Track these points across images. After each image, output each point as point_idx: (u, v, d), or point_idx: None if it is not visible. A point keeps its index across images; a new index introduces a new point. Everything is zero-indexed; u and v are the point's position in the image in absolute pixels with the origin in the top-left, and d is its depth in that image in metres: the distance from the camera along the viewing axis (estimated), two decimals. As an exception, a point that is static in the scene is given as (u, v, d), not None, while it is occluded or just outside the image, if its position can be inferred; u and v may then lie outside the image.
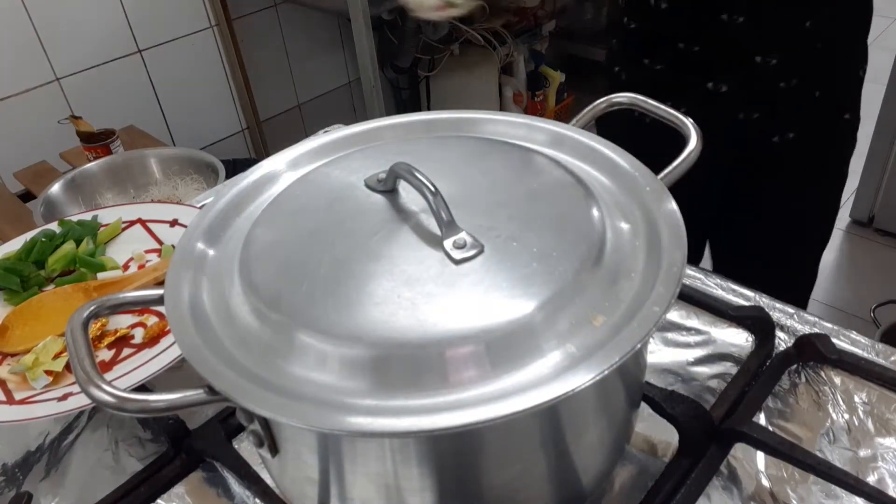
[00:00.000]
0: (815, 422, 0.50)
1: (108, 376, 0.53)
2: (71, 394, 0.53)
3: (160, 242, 0.71)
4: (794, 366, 0.54)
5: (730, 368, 0.55)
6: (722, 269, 0.69)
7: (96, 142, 1.49)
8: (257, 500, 0.49)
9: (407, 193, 0.42)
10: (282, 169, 0.49)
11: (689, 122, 0.45)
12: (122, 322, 0.61)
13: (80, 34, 1.75)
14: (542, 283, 0.35)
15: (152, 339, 0.58)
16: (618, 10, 0.87)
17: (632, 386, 0.43)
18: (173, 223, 0.73)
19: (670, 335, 0.58)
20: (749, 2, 0.72)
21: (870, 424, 0.50)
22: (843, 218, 1.96)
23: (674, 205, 0.40)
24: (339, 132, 0.51)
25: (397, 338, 0.34)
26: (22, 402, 0.54)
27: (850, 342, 0.55)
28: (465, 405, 0.31)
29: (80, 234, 0.72)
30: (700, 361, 0.56)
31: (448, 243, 0.37)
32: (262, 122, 2.15)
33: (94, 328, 0.60)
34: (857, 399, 0.51)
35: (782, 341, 0.56)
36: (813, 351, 0.53)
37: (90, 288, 0.65)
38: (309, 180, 0.47)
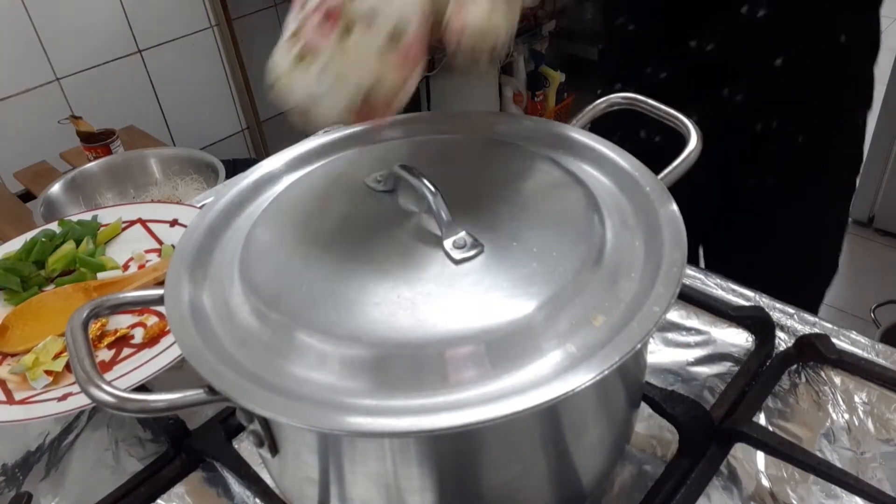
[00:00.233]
0: (815, 422, 0.50)
1: (108, 376, 0.53)
2: (71, 394, 0.53)
3: (160, 242, 0.71)
4: (794, 366, 0.54)
5: (730, 368, 0.55)
6: (720, 269, 0.68)
7: (96, 142, 1.49)
8: (257, 500, 0.49)
9: (407, 193, 0.42)
10: (282, 169, 0.49)
11: (688, 123, 0.45)
12: (122, 322, 0.61)
13: (80, 34, 1.75)
14: (542, 283, 0.35)
15: (152, 339, 0.58)
16: (609, 10, 0.79)
17: (632, 386, 0.43)
18: (173, 223, 0.73)
19: (670, 335, 0.58)
20: None
21: (870, 424, 0.50)
22: (843, 218, 1.96)
23: (674, 205, 0.40)
24: (339, 132, 0.51)
25: (397, 338, 0.34)
26: (22, 402, 0.54)
27: (850, 342, 0.55)
28: (466, 405, 0.31)
29: (80, 234, 0.72)
30: (700, 361, 0.56)
31: (448, 243, 0.37)
32: (262, 122, 2.15)
33: (94, 328, 0.60)
34: (857, 399, 0.51)
35: (782, 341, 0.56)
36: (813, 351, 0.53)
37: (90, 288, 0.65)
38: (309, 180, 0.47)
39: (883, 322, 1.44)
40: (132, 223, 0.74)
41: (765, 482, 0.47)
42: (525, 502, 0.40)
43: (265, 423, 0.37)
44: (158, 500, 0.50)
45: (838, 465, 0.47)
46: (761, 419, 0.51)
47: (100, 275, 0.67)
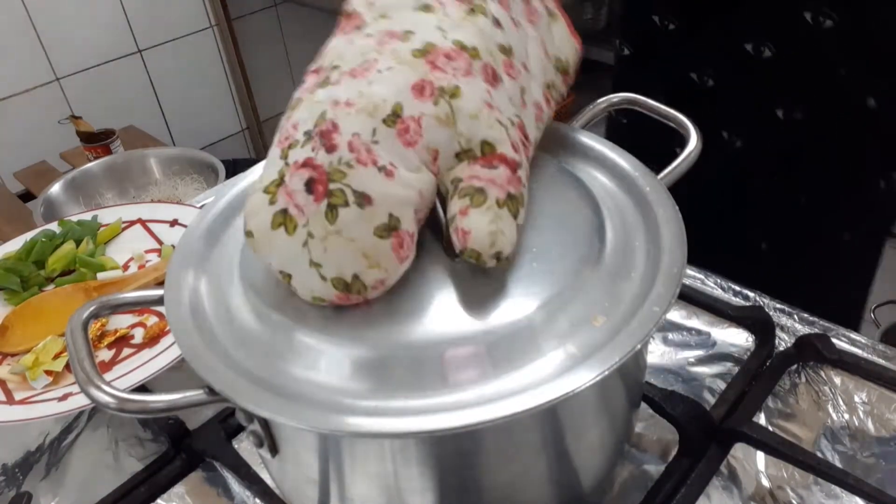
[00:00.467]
0: (815, 422, 0.50)
1: (108, 376, 0.53)
2: (71, 394, 0.53)
3: (160, 242, 0.71)
4: (794, 366, 0.54)
5: (730, 368, 0.55)
6: (720, 269, 0.66)
7: (96, 142, 1.50)
8: (257, 500, 0.49)
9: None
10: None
11: (688, 123, 0.45)
12: (122, 322, 0.61)
13: (80, 34, 1.75)
14: (542, 283, 0.35)
15: (152, 340, 0.58)
16: (640, 6, 0.69)
17: (632, 386, 0.43)
18: (173, 223, 0.73)
19: (670, 335, 0.58)
20: None
21: (870, 424, 0.50)
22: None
23: (674, 205, 0.40)
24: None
25: (397, 338, 0.34)
26: (22, 402, 0.54)
27: (850, 342, 0.55)
28: (466, 406, 0.31)
29: (80, 234, 0.72)
30: (700, 361, 0.56)
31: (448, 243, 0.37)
32: (262, 122, 2.15)
33: (94, 328, 0.60)
34: (857, 399, 0.51)
35: (782, 341, 0.56)
36: (813, 351, 0.53)
37: (90, 288, 0.65)
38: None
39: (883, 322, 1.44)
40: (132, 223, 0.74)
41: (765, 482, 0.47)
42: (525, 502, 0.40)
43: (265, 424, 0.37)
44: (158, 500, 0.50)
45: (838, 465, 0.47)
46: (761, 419, 0.51)
47: (100, 275, 0.67)
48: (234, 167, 1.49)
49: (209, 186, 1.41)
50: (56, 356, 0.57)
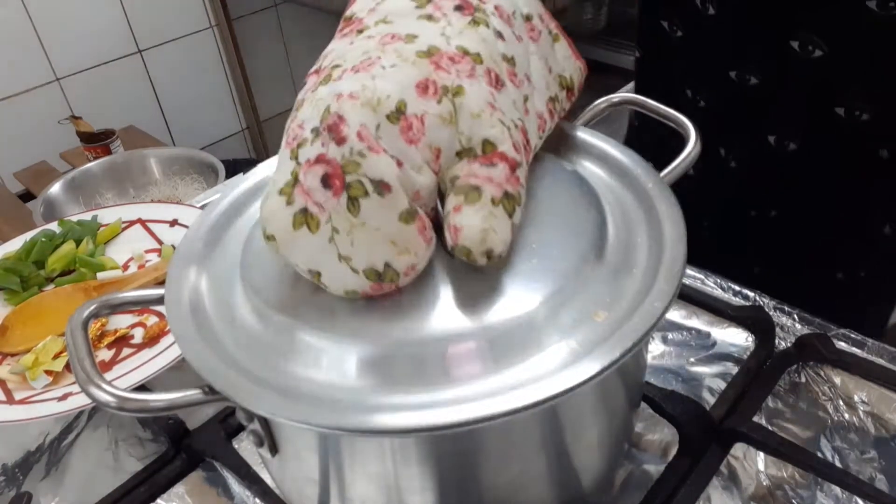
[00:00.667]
0: (815, 422, 0.50)
1: (108, 376, 0.53)
2: (71, 394, 0.53)
3: (160, 242, 0.71)
4: (794, 366, 0.54)
5: (730, 368, 0.55)
6: (722, 270, 0.66)
7: (96, 142, 1.50)
8: (257, 500, 0.49)
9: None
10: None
11: (688, 122, 0.45)
12: (122, 322, 0.61)
13: (80, 34, 1.75)
14: (543, 279, 0.35)
15: (152, 339, 0.58)
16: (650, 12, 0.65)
17: (632, 386, 0.43)
18: (173, 223, 0.73)
19: (670, 335, 0.58)
20: None
21: (870, 424, 0.50)
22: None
23: (675, 202, 0.40)
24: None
25: (399, 335, 0.34)
26: (22, 402, 0.54)
27: (850, 342, 0.55)
28: (469, 401, 0.31)
29: (80, 234, 0.72)
30: (700, 361, 0.56)
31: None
32: (262, 122, 2.15)
33: (94, 328, 0.60)
34: (857, 399, 0.51)
35: (782, 341, 0.56)
36: (813, 351, 0.53)
37: (90, 288, 0.65)
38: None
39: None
40: (132, 223, 0.74)
41: (765, 482, 0.47)
42: (525, 502, 0.40)
43: (265, 423, 0.37)
44: (158, 500, 0.50)
45: (838, 465, 0.47)
46: (761, 419, 0.51)
47: (100, 275, 0.67)
48: (234, 167, 1.49)
49: (209, 186, 1.41)
50: (56, 356, 0.57)
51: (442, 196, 0.37)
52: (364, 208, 0.33)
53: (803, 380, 0.53)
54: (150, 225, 0.74)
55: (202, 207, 0.76)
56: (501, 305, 0.34)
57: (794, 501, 0.46)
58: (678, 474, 0.46)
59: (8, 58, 1.65)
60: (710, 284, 0.62)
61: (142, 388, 0.53)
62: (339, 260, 0.34)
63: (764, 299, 0.60)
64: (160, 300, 0.39)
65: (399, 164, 0.34)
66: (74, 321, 0.37)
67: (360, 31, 0.39)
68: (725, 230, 0.76)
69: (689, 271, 0.63)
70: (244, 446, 0.52)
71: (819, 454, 0.48)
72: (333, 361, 0.34)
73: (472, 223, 0.34)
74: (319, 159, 0.34)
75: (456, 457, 0.36)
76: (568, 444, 0.38)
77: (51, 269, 0.68)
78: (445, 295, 0.35)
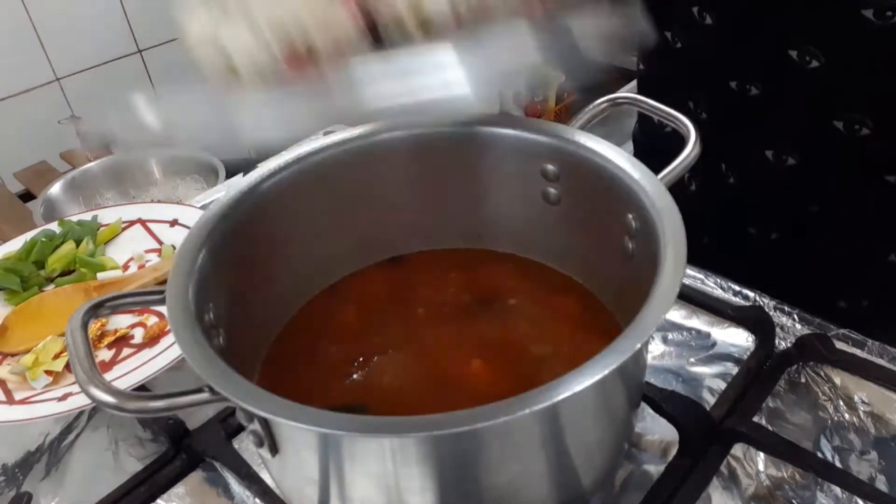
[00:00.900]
0: (815, 422, 0.50)
1: (108, 376, 0.53)
2: (71, 394, 0.53)
3: (160, 242, 0.71)
4: (794, 366, 0.54)
5: (730, 368, 0.55)
6: (721, 270, 0.65)
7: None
8: (257, 500, 0.49)
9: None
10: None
11: (688, 122, 0.45)
12: (122, 322, 0.61)
13: (80, 34, 1.75)
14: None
15: (152, 339, 0.58)
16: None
17: (632, 386, 0.43)
18: (173, 223, 0.73)
19: (670, 335, 0.58)
20: None
21: (870, 424, 0.50)
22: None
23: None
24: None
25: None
26: (22, 402, 0.54)
27: (850, 342, 0.55)
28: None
29: (80, 234, 0.72)
30: (700, 361, 0.56)
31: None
32: (262, 122, 2.15)
33: (94, 328, 0.60)
34: (857, 399, 0.51)
35: (782, 341, 0.56)
36: (813, 351, 0.53)
37: (90, 288, 0.65)
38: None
39: None
40: (132, 223, 0.74)
41: (765, 482, 0.47)
42: (525, 502, 0.40)
43: (265, 424, 0.37)
44: (158, 500, 0.50)
45: (838, 465, 0.47)
46: (761, 419, 0.51)
47: (100, 275, 0.67)
48: (235, 167, 1.49)
49: (209, 186, 1.41)
50: (56, 356, 0.57)
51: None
52: None
53: (803, 380, 0.53)
54: (150, 225, 0.74)
55: (202, 207, 0.76)
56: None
57: (794, 501, 0.45)
58: (678, 474, 0.46)
59: (8, 58, 1.65)
60: (710, 284, 0.62)
61: (142, 388, 0.53)
62: (266, 38, 0.30)
63: (764, 299, 0.60)
64: (160, 300, 0.39)
65: None
66: (74, 321, 0.37)
67: None
68: (725, 249, 0.75)
69: (689, 271, 0.63)
70: (244, 446, 0.52)
71: (819, 454, 0.48)
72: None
73: None
74: None
75: (456, 457, 0.36)
76: (568, 444, 0.38)
77: (51, 270, 0.68)
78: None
